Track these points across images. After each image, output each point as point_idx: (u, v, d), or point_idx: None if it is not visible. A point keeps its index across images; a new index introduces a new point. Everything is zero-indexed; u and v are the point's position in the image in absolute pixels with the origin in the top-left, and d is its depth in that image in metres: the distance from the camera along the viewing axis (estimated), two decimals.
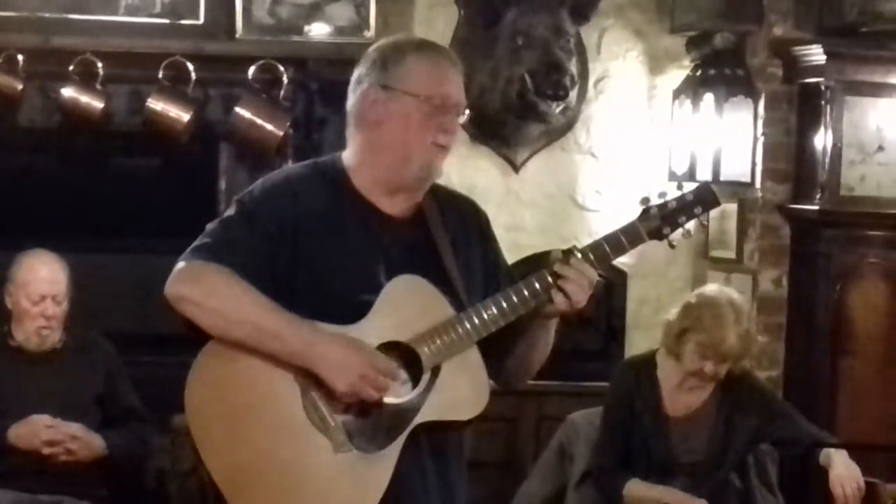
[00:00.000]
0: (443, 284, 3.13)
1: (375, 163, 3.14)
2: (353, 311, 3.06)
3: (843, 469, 4.78)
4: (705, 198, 3.22)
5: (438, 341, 3.07)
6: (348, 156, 3.20)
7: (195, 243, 3.12)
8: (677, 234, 3.21)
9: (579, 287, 3.10)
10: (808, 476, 5.34)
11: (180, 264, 3.09)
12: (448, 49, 3.26)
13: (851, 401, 6.14)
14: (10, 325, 5.20)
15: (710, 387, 5.00)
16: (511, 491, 5.55)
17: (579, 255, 3.12)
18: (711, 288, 5.01)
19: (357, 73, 3.19)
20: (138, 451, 5.28)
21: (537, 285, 3.11)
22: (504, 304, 3.10)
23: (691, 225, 3.22)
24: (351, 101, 3.19)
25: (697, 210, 3.20)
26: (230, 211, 3.15)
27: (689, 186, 3.26)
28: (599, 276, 3.16)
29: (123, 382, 5.31)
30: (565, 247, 6.16)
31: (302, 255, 3.08)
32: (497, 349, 3.19)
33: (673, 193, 3.23)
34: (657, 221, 3.19)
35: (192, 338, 3.08)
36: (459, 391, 3.10)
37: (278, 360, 3.02)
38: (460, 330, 3.08)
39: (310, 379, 3.03)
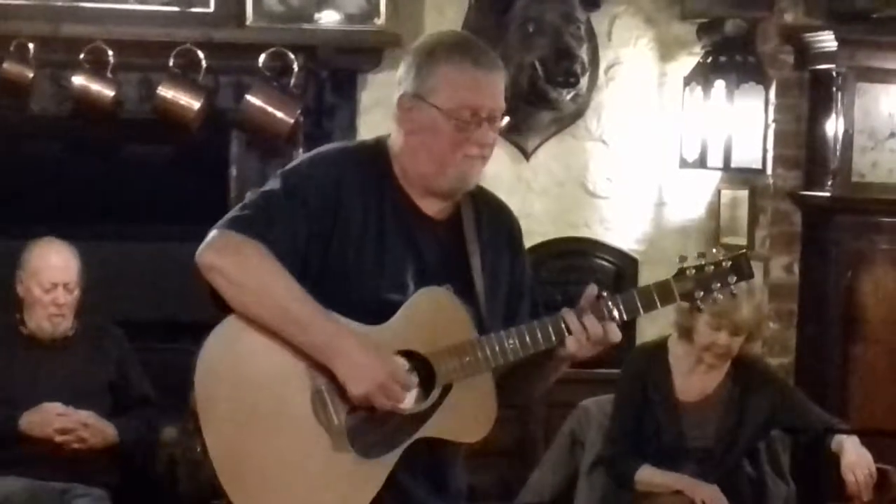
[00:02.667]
0: (467, 293, 3.13)
1: (412, 166, 3.12)
2: (376, 307, 3.05)
3: (854, 456, 4.78)
4: (741, 268, 3.20)
5: (456, 360, 3.06)
6: (392, 146, 3.16)
7: (233, 213, 3.09)
8: (708, 300, 3.20)
9: (578, 344, 3.10)
10: (820, 463, 5.34)
11: (215, 232, 3.05)
12: (485, 50, 3.14)
13: (863, 387, 6.13)
14: (21, 313, 5.21)
15: (722, 370, 5.01)
16: (522, 478, 5.56)
17: (610, 304, 3.11)
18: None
19: (399, 72, 3.15)
20: (149, 439, 5.29)
21: (562, 324, 3.10)
22: (527, 338, 3.09)
23: (722, 292, 3.20)
24: (396, 98, 3.16)
25: (732, 279, 3.19)
26: (274, 184, 3.10)
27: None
28: (622, 323, 3.14)
29: (134, 370, 5.32)
30: (577, 234, 6.26)
31: (336, 242, 3.06)
32: (509, 373, 3.19)
33: (711, 257, 3.21)
34: (691, 284, 3.18)
35: (205, 324, 3.06)
36: (466, 413, 3.10)
37: (296, 348, 3.01)
38: (479, 354, 3.08)
39: (322, 374, 3.02)
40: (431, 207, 3.15)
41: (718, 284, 3.18)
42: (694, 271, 3.18)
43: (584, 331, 3.08)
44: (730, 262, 3.20)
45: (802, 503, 5.39)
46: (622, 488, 5.02)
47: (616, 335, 3.12)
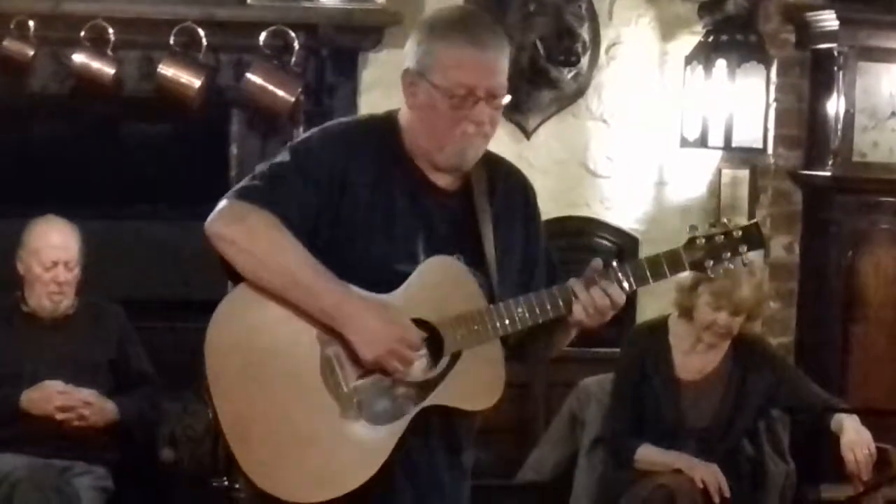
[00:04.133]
0: (478, 262, 3.13)
1: (415, 140, 3.13)
2: (386, 278, 3.06)
3: (854, 435, 4.79)
4: (752, 237, 3.20)
5: (465, 329, 3.07)
6: (401, 118, 3.17)
7: (242, 183, 3.10)
8: (718, 269, 3.19)
9: (584, 313, 3.09)
10: (820, 442, 5.36)
11: (224, 202, 3.07)
12: (487, 27, 3.13)
13: (863, 367, 6.14)
14: (22, 291, 5.21)
15: (722, 350, 5.02)
16: (522, 456, 5.57)
17: (619, 273, 3.11)
18: None
19: (406, 46, 3.15)
20: (150, 417, 5.30)
21: (570, 294, 3.09)
22: (536, 307, 3.09)
23: (733, 262, 3.19)
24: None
25: (742, 249, 3.18)
26: (283, 156, 3.12)
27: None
28: (631, 291, 3.14)
29: (135, 348, 5.32)
30: (578, 214, 6.25)
31: (345, 213, 3.07)
32: (519, 336, 3.19)
33: (720, 226, 3.20)
34: (701, 253, 3.17)
35: (205, 303, 3.07)
36: (475, 381, 3.10)
37: (306, 315, 3.02)
38: (488, 323, 3.08)
39: (332, 340, 3.02)
40: (441, 179, 3.16)
41: (729, 254, 3.18)
42: (704, 241, 3.18)
43: (591, 301, 3.08)
44: (741, 232, 3.19)
45: (802, 482, 5.40)
46: (622, 467, 5.03)
47: (621, 298, 3.11)
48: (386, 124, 3.18)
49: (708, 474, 4.88)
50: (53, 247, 5.15)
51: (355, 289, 3.03)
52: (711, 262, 3.18)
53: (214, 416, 3.04)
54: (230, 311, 3.06)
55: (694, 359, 5.04)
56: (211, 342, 3.05)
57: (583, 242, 6.24)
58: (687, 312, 5.01)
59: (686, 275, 4.90)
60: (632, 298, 6.13)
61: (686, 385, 5.03)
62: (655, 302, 5.80)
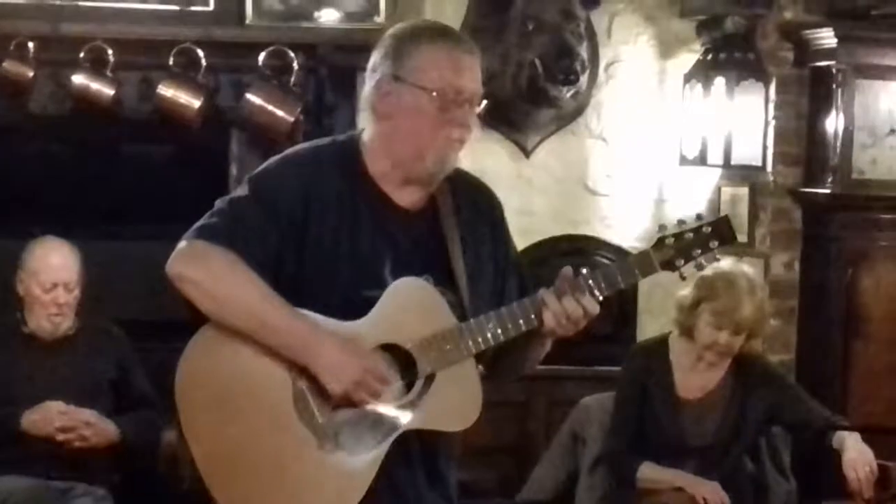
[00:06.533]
0: (447, 282, 3.11)
1: (389, 154, 3.09)
2: (354, 305, 3.03)
3: (855, 452, 4.78)
4: (722, 232, 3.16)
5: (437, 349, 3.04)
6: (365, 140, 3.14)
7: (201, 221, 3.08)
8: (690, 267, 3.16)
9: (557, 323, 3.06)
10: (821, 459, 5.34)
11: (183, 243, 3.06)
12: (464, 36, 3.16)
13: (864, 384, 6.14)
14: (22, 313, 5.20)
15: (722, 368, 5.01)
16: (523, 475, 5.56)
17: (590, 281, 3.08)
18: (726, 262, 5.00)
19: (372, 59, 3.12)
20: (150, 438, 5.29)
21: (541, 306, 3.07)
22: (507, 321, 3.07)
23: (705, 258, 3.16)
24: (366, 88, 3.12)
25: (713, 244, 3.15)
26: (241, 190, 3.10)
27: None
28: (603, 297, 3.10)
29: (135, 369, 5.32)
30: (578, 232, 6.25)
31: (309, 242, 3.05)
32: (493, 352, 3.16)
33: (691, 223, 3.16)
34: (671, 252, 3.13)
35: (198, 321, 3.06)
36: (451, 402, 3.08)
37: (273, 352, 3.00)
38: (460, 341, 3.05)
39: (303, 373, 3.01)
40: (406, 198, 3.13)
41: (699, 251, 3.14)
42: (673, 240, 3.14)
43: (564, 311, 3.05)
44: (710, 227, 3.15)
45: (803, 500, 5.39)
46: (624, 485, 5.02)
47: (594, 308, 3.07)
48: (347, 147, 3.16)
49: (710, 492, 4.87)
50: (53, 268, 5.15)
51: (321, 320, 3.01)
52: (682, 261, 3.14)
53: (189, 456, 3.02)
54: (197, 352, 3.05)
55: (695, 377, 5.03)
56: (181, 383, 3.04)
57: (583, 261, 6.21)
58: (687, 331, 5.00)
59: (686, 294, 4.98)
60: (631, 317, 6.24)
61: (687, 404, 5.02)
62: (655, 321, 5.81)
